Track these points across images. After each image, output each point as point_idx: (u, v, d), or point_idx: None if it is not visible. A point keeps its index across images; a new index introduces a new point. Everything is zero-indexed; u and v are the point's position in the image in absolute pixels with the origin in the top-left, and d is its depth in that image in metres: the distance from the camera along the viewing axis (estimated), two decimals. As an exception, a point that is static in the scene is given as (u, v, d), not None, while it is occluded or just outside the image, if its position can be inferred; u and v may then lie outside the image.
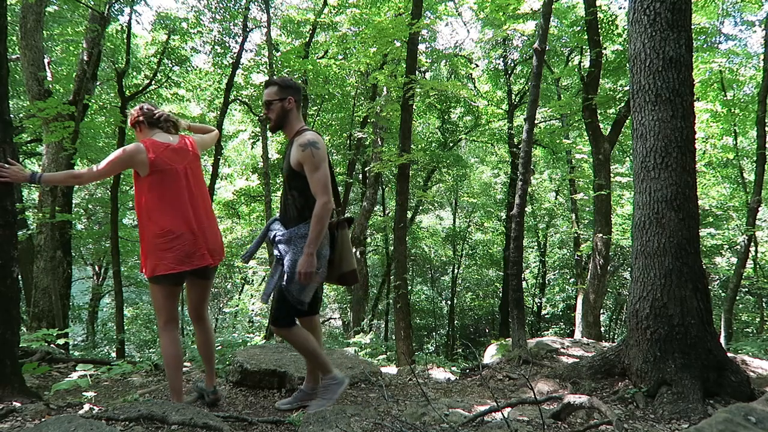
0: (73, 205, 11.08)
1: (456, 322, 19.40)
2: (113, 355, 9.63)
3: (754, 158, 9.49)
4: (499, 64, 15.78)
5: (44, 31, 9.20)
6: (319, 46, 14.00)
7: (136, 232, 9.32)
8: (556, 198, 19.46)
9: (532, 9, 8.95)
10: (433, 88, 10.99)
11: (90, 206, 15.27)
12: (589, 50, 9.59)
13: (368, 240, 16.60)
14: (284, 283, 2.76)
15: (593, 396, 3.13)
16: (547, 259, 18.97)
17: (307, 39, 13.12)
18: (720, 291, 14.33)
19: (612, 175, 10.31)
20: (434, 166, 16.23)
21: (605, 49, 10.15)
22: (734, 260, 12.06)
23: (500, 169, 18.89)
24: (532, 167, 14.40)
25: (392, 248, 12.50)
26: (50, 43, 12.00)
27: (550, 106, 13.55)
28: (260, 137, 12.17)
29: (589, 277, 9.67)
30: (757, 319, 13.64)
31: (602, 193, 9.16)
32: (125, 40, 10.60)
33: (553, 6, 5.73)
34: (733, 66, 12.07)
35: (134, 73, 13.16)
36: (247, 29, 12.83)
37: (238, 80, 12.84)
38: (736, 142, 12.11)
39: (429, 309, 20.00)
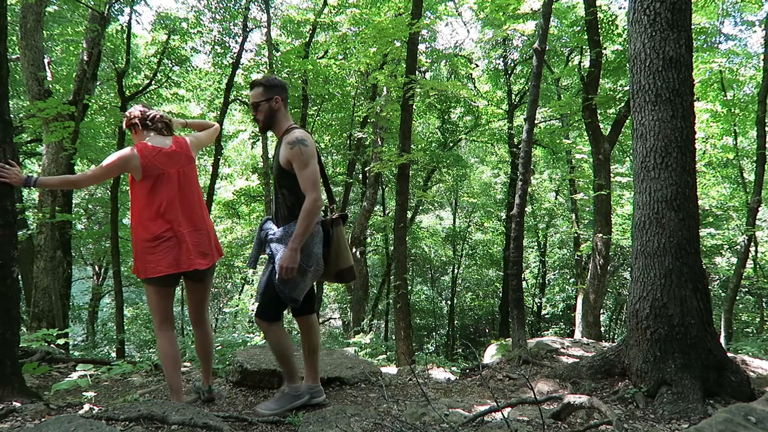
0: (73, 205, 11.08)
1: (456, 322, 19.39)
2: (113, 355, 9.63)
3: (754, 158, 9.49)
4: (499, 64, 15.78)
5: (44, 31, 9.20)
6: (319, 46, 14.00)
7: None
8: (556, 198, 19.45)
9: (532, 9, 8.94)
10: (433, 88, 10.98)
11: (90, 206, 15.28)
12: (589, 50, 9.59)
13: (368, 240, 16.59)
14: (277, 281, 2.74)
15: (593, 396, 3.13)
16: (547, 259, 18.96)
17: (307, 39, 13.11)
18: (720, 291, 14.32)
19: (612, 175, 10.30)
20: (434, 166, 16.22)
21: (605, 49, 10.15)
22: (734, 260, 12.06)
23: (500, 169, 18.88)
24: (532, 167, 14.40)
25: (392, 248, 12.50)
26: (50, 43, 12.00)
27: (550, 106, 13.53)
28: (260, 137, 12.17)
29: (589, 277, 9.67)
30: (757, 319, 13.63)
31: (602, 193, 9.15)
32: (125, 40, 10.61)
33: (553, 6, 5.73)
34: (733, 66, 12.07)
35: (134, 73, 13.17)
36: (247, 29, 12.84)
37: (238, 80, 12.85)
38: (736, 142, 12.11)
39: (429, 309, 19.99)
